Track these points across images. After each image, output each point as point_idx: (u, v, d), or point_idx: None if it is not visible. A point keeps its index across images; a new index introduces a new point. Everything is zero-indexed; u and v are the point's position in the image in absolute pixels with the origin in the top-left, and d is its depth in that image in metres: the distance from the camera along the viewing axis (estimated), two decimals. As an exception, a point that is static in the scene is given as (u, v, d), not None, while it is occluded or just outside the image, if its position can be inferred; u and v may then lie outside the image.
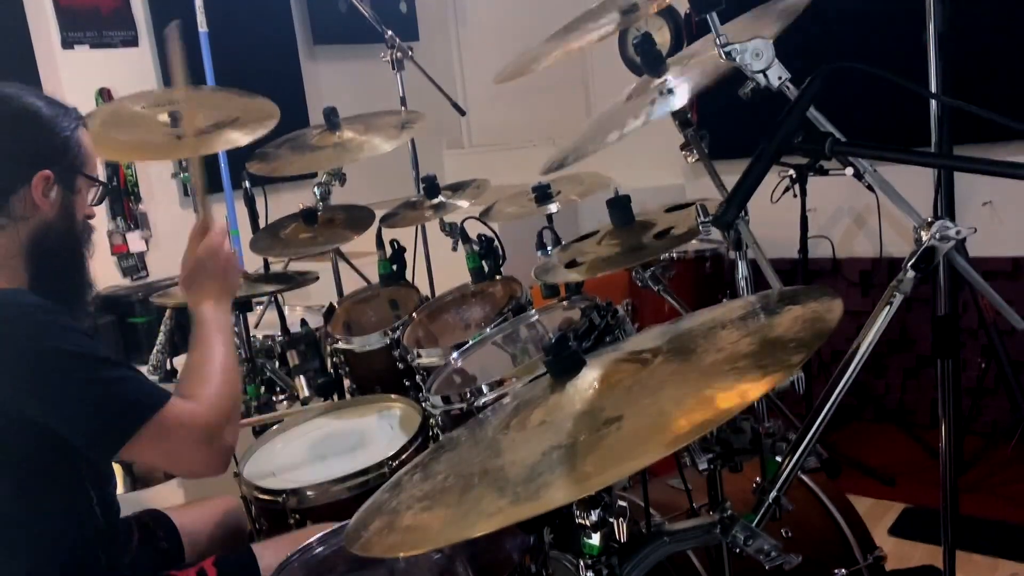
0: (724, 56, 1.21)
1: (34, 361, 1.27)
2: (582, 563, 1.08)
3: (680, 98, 1.40)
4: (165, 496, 2.26)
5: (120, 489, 2.03)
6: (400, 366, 2.07)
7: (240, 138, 2.24)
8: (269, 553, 1.54)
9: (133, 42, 3.60)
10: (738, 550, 1.11)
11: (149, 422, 1.29)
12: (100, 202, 1.52)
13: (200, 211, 1.62)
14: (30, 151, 1.39)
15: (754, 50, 1.20)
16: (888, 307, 1.09)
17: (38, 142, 1.40)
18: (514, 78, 1.71)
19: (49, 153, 1.40)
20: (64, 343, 1.28)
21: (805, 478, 1.76)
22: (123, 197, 3.56)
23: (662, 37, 3.68)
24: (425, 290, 2.57)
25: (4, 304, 1.32)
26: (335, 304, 2.48)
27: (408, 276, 2.52)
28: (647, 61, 1.51)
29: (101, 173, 3.47)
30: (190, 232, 1.58)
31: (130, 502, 1.89)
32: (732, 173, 1.28)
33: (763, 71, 1.21)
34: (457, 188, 2.52)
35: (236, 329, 2.47)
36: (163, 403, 1.31)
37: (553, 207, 2.29)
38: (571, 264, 1.77)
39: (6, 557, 1.34)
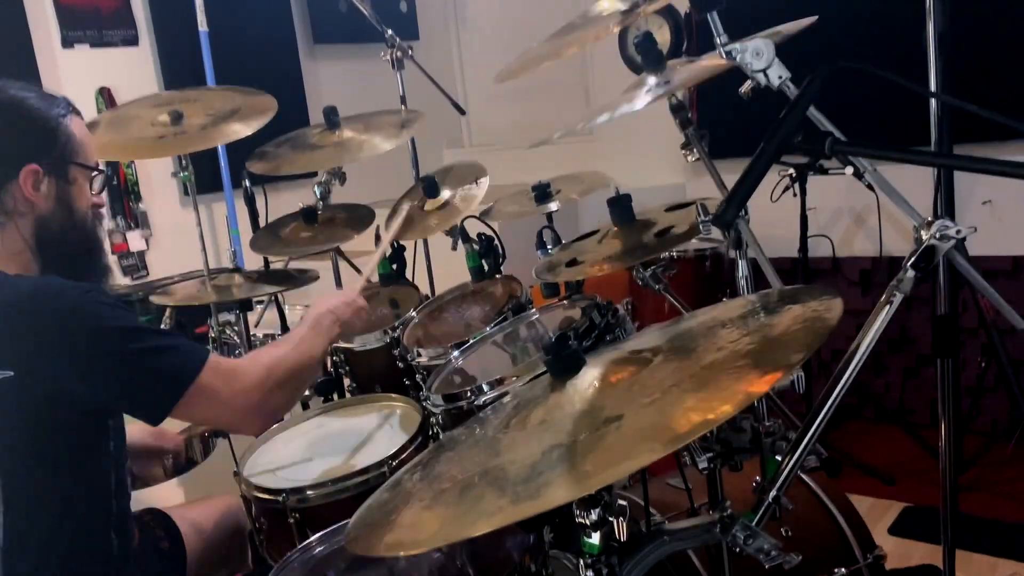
0: (724, 56, 1.22)
1: (77, 339, 1.30)
2: (582, 562, 1.08)
3: (672, 86, 1.40)
4: (165, 496, 2.26)
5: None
6: (400, 365, 2.06)
7: (242, 130, 2.24)
8: None
9: (133, 41, 3.60)
10: (738, 549, 1.11)
11: (193, 384, 1.35)
12: (103, 189, 1.52)
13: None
14: (14, 145, 1.39)
15: (754, 50, 1.20)
16: (888, 306, 1.09)
17: (23, 135, 1.40)
18: (514, 78, 1.71)
19: (35, 146, 1.40)
20: (103, 319, 1.32)
21: (805, 477, 1.76)
22: (123, 196, 3.56)
23: (662, 36, 3.68)
24: (425, 289, 2.57)
25: (40, 288, 1.34)
26: (335, 303, 2.48)
27: (408, 275, 2.52)
28: (648, 60, 1.51)
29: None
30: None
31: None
32: (732, 172, 1.28)
33: (763, 70, 1.21)
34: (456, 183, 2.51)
35: (237, 328, 2.47)
36: (203, 364, 1.37)
37: (553, 206, 2.29)
38: (571, 263, 1.77)
39: (26, 536, 1.35)
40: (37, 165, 1.39)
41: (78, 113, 1.48)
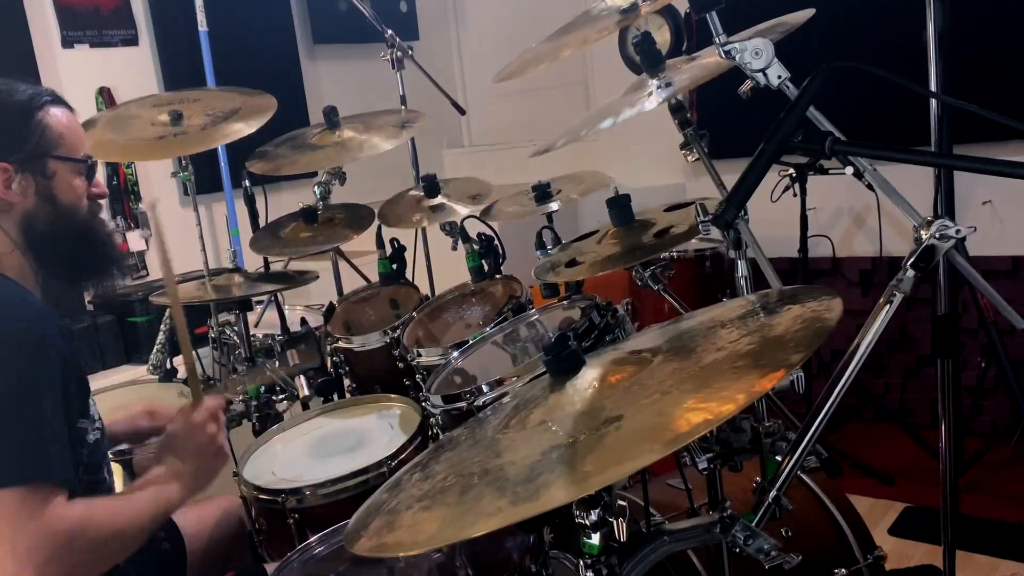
0: (724, 55, 1.22)
1: None
2: (582, 563, 1.08)
3: (676, 88, 1.40)
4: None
5: (119, 489, 2.03)
6: (400, 365, 2.06)
7: (242, 129, 2.25)
8: None
9: (133, 41, 3.60)
10: (738, 549, 1.11)
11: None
12: (92, 178, 1.46)
13: (192, 393, 1.50)
14: None
15: (754, 49, 1.20)
16: (888, 306, 1.09)
17: None
18: (513, 78, 1.71)
19: (2, 143, 1.35)
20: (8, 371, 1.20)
21: (805, 478, 1.76)
22: (123, 197, 3.56)
23: (662, 36, 3.68)
24: (425, 289, 2.57)
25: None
26: (335, 303, 2.48)
27: (408, 275, 2.52)
28: (647, 60, 1.51)
29: (100, 170, 3.45)
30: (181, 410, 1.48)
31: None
32: (732, 172, 1.28)
33: (763, 70, 1.21)
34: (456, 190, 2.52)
35: (236, 328, 2.47)
36: (31, 480, 1.16)
37: (553, 206, 2.29)
38: (571, 263, 1.77)
39: None
40: (6, 163, 1.35)
41: (60, 103, 1.43)
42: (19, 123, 1.37)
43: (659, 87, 1.46)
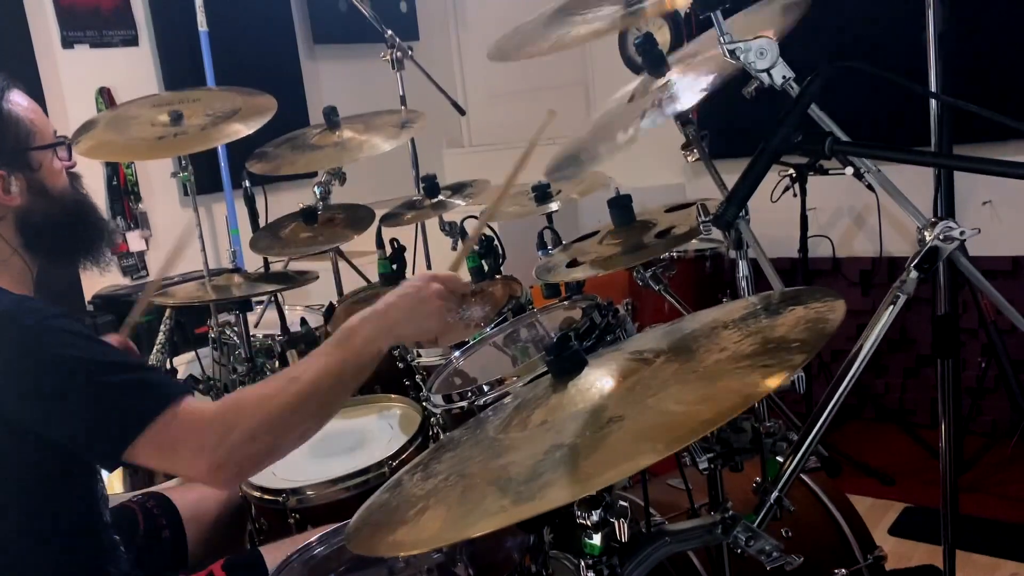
0: (728, 55, 1.21)
1: (34, 369, 1.20)
2: (583, 563, 1.08)
3: (686, 100, 1.39)
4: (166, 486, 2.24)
5: (120, 489, 2.03)
6: (400, 366, 2.06)
7: (242, 129, 2.25)
8: (278, 556, 1.52)
9: (133, 41, 3.60)
10: (739, 551, 1.11)
11: (149, 428, 1.18)
12: (70, 155, 1.42)
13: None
14: None
15: (758, 49, 1.20)
16: (891, 307, 1.09)
17: None
18: (506, 59, 1.68)
19: None
20: (64, 348, 1.21)
21: (805, 478, 1.76)
22: (123, 197, 3.56)
23: (662, 36, 3.68)
24: (425, 290, 2.56)
25: (4, 314, 1.25)
26: (335, 303, 2.48)
27: (408, 275, 2.52)
28: (649, 61, 1.51)
29: (99, 170, 3.44)
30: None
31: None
32: (733, 172, 1.28)
33: (767, 70, 1.21)
34: (457, 189, 2.52)
35: (236, 329, 2.47)
36: (165, 407, 1.19)
37: (553, 206, 2.29)
38: (572, 263, 1.77)
39: (7, 567, 1.30)
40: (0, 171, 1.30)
41: (12, 86, 1.35)
42: None
43: (667, 97, 1.44)
